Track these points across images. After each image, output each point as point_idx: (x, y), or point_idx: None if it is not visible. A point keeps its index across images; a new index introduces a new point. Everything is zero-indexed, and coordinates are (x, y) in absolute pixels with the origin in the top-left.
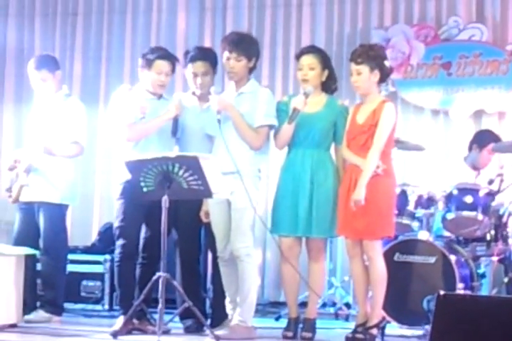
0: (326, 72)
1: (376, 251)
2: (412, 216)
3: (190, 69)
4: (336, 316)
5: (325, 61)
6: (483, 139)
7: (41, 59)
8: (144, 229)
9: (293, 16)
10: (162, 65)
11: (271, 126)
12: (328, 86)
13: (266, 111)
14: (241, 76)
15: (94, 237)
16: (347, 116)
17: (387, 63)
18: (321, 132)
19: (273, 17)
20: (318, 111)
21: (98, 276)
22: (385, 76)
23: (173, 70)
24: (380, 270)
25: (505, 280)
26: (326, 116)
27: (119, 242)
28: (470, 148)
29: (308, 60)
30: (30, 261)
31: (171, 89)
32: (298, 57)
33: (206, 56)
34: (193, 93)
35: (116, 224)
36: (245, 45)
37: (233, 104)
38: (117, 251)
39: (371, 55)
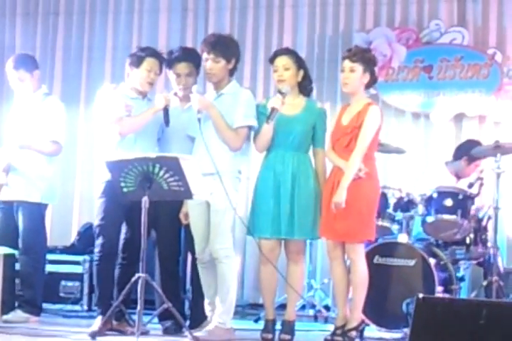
0: (302, 73)
1: (358, 253)
2: (392, 219)
3: (174, 70)
4: (315, 318)
5: (299, 61)
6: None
7: (19, 58)
8: (124, 229)
9: (275, 18)
10: (152, 62)
11: (250, 127)
12: (304, 87)
13: (245, 112)
14: (219, 77)
15: (73, 237)
16: (325, 119)
17: (376, 70)
18: (300, 135)
19: (255, 18)
20: (297, 113)
21: (77, 277)
22: (372, 82)
23: (160, 70)
24: (361, 273)
25: (484, 283)
26: (305, 119)
27: (99, 241)
28: (458, 157)
29: (283, 60)
30: (8, 260)
31: (153, 89)
32: (272, 59)
33: (190, 57)
34: (175, 94)
35: (96, 222)
36: (223, 46)
37: (213, 104)
38: (96, 250)
39: (366, 57)
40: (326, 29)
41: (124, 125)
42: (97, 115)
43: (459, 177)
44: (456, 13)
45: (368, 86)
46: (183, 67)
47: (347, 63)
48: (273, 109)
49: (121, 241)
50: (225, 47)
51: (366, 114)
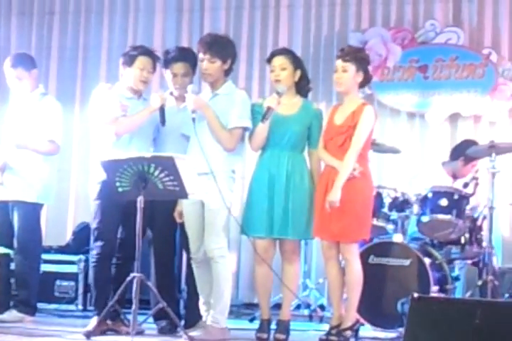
0: (299, 73)
1: (353, 253)
2: (387, 218)
3: (170, 69)
4: (310, 318)
5: (296, 62)
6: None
7: (17, 57)
8: (119, 229)
9: (270, 18)
10: (145, 60)
11: (245, 128)
12: (302, 87)
13: (240, 113)
14: (215, 77)
15: (68, 237)
16: (321, 120)
17: (370, 69)
18: (296, 135)
19: (250, 19)
20: (293, 113)
21: (72, 276)
22: (365, 81)
23: (154, 68)
24: (356, 272)
25: (479, 283)
26: (301, 119)
27: (97, 243)
28: (455, 157)
29: (280, 60)
30: (4, 260)
31: (148, 89)
32: (269, 59)
33: (186, 57)
34: (171, 93)
35: (93, 225)
36: (219, 46)
37: (209, 104)
38: (95, 252)
39: (359, 56)
40: (321, 29)
41: (120, 125)
42: (92, 115)
43: (455, 177)
44: (451, 13)
45: (362, 85)
46: (179, 67)
47: (339, 63)
48: (268, 109)
49: (117, 241)
50: (221, 47)
51: (361, 113)
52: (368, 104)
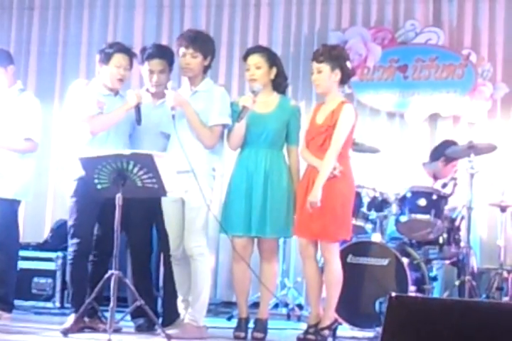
0: (275, 70)
1: (333, 253)
2: (366, 218)
3: (147, 66)
4: (288, 317)
5: (272, 59)
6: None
7: None
8: (96, 226)
9: (251, 16)
10: (121, 58)
11: (225, 125)
12: (278, 84)
13: (220, 110)
14: (195, 73)
15: (46, 234)
16: (299, 117)
17: (348, 64)
18: (274, 132)
19: (231, 16)
20: (270, 111)
21: (50, 273)
22: (346, 77)
23: (131, 65)
24: (336, 272)
25: (457, 283)
26: (278, 117)
27: (73, 241)
28: (435, 158)
29: (254, 59)
30: None
31: (127, 86)
32: (245, 57)
33: (163, 54)
34: (147, 90)
35: (70, 222)
36: (201, 42)
37: (188, 101)
38: (71, 249)
39: (333, 55)
40: (301, 28)
41: (96, 123)
42: (68, 112)
43: (436, 178)
44: (431, 14)
45: (343, 81)
46: (156, 64)
47: (314, 64)
48: (243, 108)
49: (94, 238)
50: (204, 43)
51: (340, 112)
52: (348, 102)
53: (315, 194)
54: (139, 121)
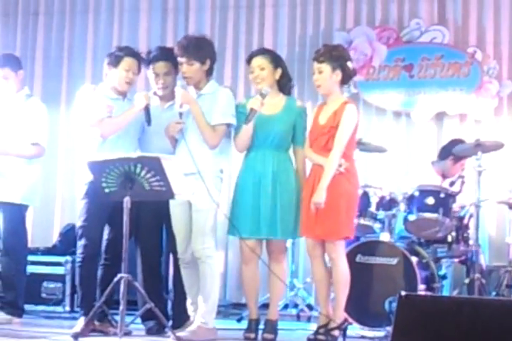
0: (279, 71)
1: (338, 252)
2: (374, 217)
3: (152, 69)
4: (298, 318)
5: (276, 60)
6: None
7: (5, 57)
8: (106, 230)
9: (255, 18)
10: (130, 62)
11: (229, 125)
12: (284, 85)
13: (224, 110)
14: (196, 80)
15: (55, 238)
16: (306, 118)
17: (350, 64)
18: (280, 134)
19: (235, 18)
20: (277, 113)
21: (59, 278)
22: (347, 77)
23: (139, 70)
24: (343, 271)
25: (466, 281)
26: (285, 118)
27: (81, 242)
28: (444, 157)
29: (258, 61)
30: None
31: (133, 89)
32: (248, 60)
33: (168, 56)
34: (155, 93)
35: (78, 223)
36: (195, 48)
37: (196, 100)
38: (79, 251)
39: (334, 55)
40: (306, 28)
41: (105, 127)
42: (77, 117)
43: (445, 177)
44: (436, 12)
45: (344, 82)
46: (161, 67)
47: (315, 65)
48: (251, 110)
49: (104, 242)
50: (197, 49)
51: (343, 113)
52: (350, 102)
53: (319, 195)
54: (149, 121)
